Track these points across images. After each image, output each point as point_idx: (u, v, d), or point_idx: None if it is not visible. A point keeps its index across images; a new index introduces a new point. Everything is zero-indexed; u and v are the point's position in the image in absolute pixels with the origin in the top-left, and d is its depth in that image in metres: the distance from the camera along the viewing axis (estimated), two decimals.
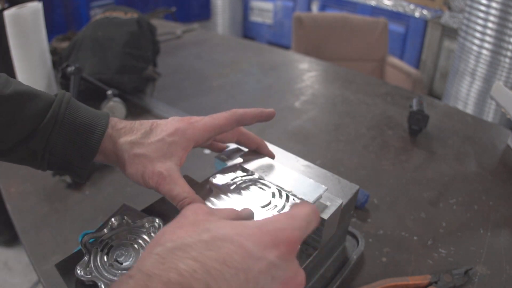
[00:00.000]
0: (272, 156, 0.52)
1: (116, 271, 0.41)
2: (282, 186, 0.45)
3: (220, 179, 0.46)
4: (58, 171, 0.44)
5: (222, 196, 0.45)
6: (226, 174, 0.47)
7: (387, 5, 3.05)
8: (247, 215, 0.36)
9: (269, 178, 0.47)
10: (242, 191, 0.45)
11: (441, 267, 0.60)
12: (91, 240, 0.44)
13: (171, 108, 1.04)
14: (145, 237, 0.45)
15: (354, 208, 0.58)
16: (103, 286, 0.39)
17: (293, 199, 0.44)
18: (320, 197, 0.45)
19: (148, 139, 0.42)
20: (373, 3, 3.12)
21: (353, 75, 1.31)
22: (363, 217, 0.70)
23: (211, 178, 0.46)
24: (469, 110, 1.85)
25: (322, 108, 1.09)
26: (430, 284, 0.56)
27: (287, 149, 0.57)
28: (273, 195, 0.45)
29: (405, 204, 0.73)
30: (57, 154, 0.41)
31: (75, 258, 0.43)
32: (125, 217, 0.47)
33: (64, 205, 0.72)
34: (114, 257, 0.42)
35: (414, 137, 0.95)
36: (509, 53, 1.64)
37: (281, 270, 0.27)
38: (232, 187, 0.45)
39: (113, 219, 0.46)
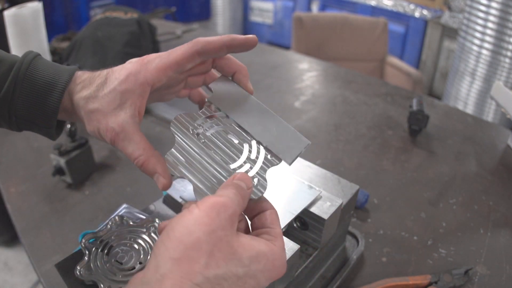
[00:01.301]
0: (250, 90, 0.41)
1: (116, 271, 0.41)
2: (258, 136, 0.38)
3: (182, 124, 0.39)
4: (26, 129, 0.40)
5: (185, 147, 0.38)
6: (192, 116, 0.39)
7: (387, 5, 3.05)
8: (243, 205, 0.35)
9: (242, 122, 0.39)
10: (208, 142, 0.38)
11: (441, 267, 0.60)
12: (91, 240, 0.44)
13: (171, 108, 1.03)
14: (145, 237, 0.45)
15: (354, 208, 0.58)
16: (103, 286, 0.39)
17: (269, 157, 0.38)
18: (300, 154, 0.38)
19: (102, 91, 0.38)
20: (373, 3, 3.12)
21: (353, 75, 1.31)
22: (363, 217, 0.70)
23: (173, 120, 0.39)
24: (469, 110, 1.85)
25: (322, 108, 1.09)
26: (430, 284, 0.56)
27: None
28: (246, 149, 0.38)
29: (405, 204, 0.73)
30: (21, 116, 0.38)
31: (75, 258, 0.43)
32: (125, 217, 0.47)
33: (64, 205, 0.72)
34: (114, 257, 0.42)
35: (414, 137, 0.95)
36: (509, 53, 1.64)
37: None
38: (197, 134, 0.39)
39: (113, 219, 0.46)
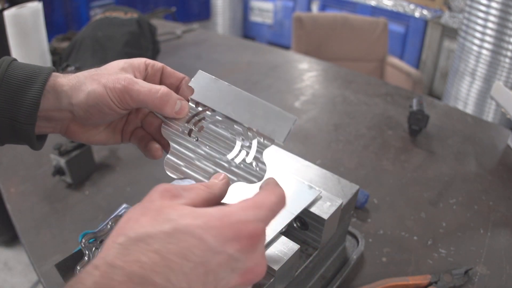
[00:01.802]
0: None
1: None
2: (247, 123, 0.39)
3: (172, 126, 0.39)
4: (10, 139, 0.39)
5: (180, 149, 0.39)
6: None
7: (387, 5, 3.05)
8: (219, 191, 0.34)
9: (229, 112, 0.39)
10: (201, 139, 0.39)
11: (441, 267, 0.60)
12: (91, 240, 0.44)
13: None
14: None
15: (354, 208, 0.58)
16: None
17: (262, 140, 0.39)
18: (290, 131, 0.39)
19: (101, 67, 0.40)
20: (373, 3, 3.12)
21: (353, 75, 1.31)
22: (363, 217, 0.70)
23: (162, 125, 0.40)
24: (469, 110, 1.85)
25: (322, 108, 1.09)
26: (430, 284, 0.56)
27: (287, 149, 0.57)
28: (239, 137, 0.39)
29: (405, 204, 0.73)
30: (1, 114, 0.37)
31: (75, 258, 0.43)
32: None
33: (64, 205, 0.72)
34: None
35: (414, 137, 0.95)
36: (509, 53, 1.64)
37: (240, 263, 0.28)
38: (189, 133, 0.39)
39: (113, 219, 0.46)
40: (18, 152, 0.88)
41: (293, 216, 0.44)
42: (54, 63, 1.12)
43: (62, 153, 0.74)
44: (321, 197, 0.48)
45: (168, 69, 0.43)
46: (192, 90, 0.40)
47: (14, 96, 0.37)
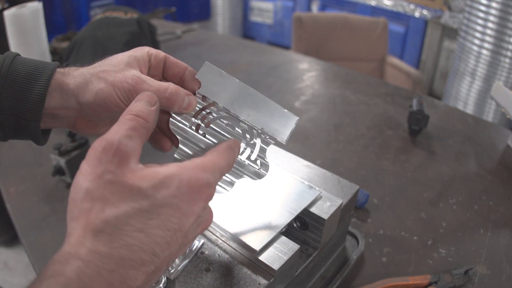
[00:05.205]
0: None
1: None
2: (252, 121, 0.39)
3: (179, 121, 0.39)
4: (14, 135, 0.39)
5: (188, 144, 0.39)
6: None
7: (387, 5, 3.04)
8: (152, 120, 0.32)
9: (235, 109, 0.39)
10: (208, 135, 0.39)
11: (441, 267, 0.60)
12: None
13: None
14: None
15: (354, 208, 0.58)
16: None
17: (265, 139, 0.39)
18: (292, 131, 0.39)
19: (105, 61, 0.39)
20: (373, 3, 3.12)
21: (353, 75, 1.31)
22: (363, 217, 0.70)
23: (170, 120, 0.39)
24: (469, 110, 1.85)
25: (322, 108, 1.09)
26: (430, 284, 0.56)
27: (287, 149, 0.57)
28: (243, 134, 0.39)
29: (405, 204, 0.73)
30: (6, 109, 0.36)
31: None
32: None
33: (64, 205, 0.72)
34: None
35: (414, 137, 0.95)
36: (509, 53, 1.64)
37: (202, 217, 0.31)
38: (196, 128, 0.39)
39: None
40: (18, 152, 0.88)
41: (293, 216, 0.44)
42: None
43: (62, 153, 0.74)
44: (321, 197, 0.48)
45: (171, 58, 0.42)
46: (198, 83, 0.40)
47: (19, 92, 0.36)
